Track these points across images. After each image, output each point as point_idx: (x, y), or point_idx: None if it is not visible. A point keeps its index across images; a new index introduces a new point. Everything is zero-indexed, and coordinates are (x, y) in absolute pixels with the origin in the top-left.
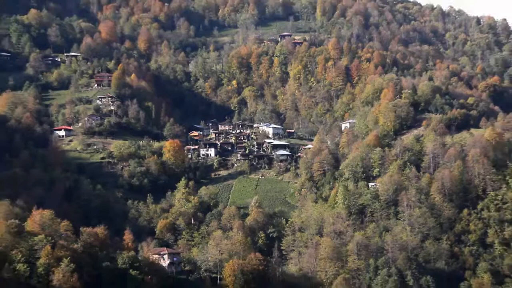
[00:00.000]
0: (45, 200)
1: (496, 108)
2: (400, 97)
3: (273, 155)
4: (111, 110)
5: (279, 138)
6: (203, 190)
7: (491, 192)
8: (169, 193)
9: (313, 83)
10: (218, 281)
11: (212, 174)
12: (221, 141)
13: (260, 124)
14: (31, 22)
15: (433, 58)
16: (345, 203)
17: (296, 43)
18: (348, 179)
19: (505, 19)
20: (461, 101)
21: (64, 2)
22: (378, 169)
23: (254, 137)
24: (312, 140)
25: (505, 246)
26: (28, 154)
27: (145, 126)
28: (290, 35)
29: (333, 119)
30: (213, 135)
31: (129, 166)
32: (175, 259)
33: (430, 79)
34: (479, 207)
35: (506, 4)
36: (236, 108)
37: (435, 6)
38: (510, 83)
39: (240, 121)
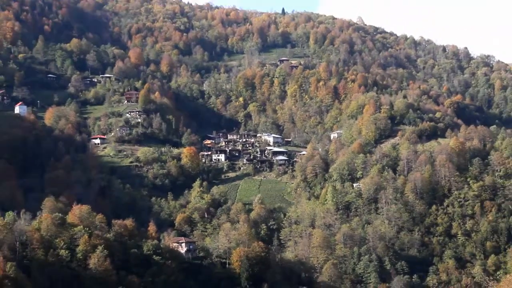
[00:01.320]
0: (83, 197)
1: (459, 121)
2: (379, 112)
3: (273, 160)
4: (138, 122)
5: (278, 146)
6: (214, 189)
7: (455, 191)
8: (186, 191)
9: (307, 100)
10: (227, 265)
11: (222, 176)
12: (230, 148)
13: (262, 134)
14: (73, 49)
15: (407, 80)
16: (334, 200)
17: (293, 67)
18: (336, 180)
19: (466, 48)
20: (430, 115)
21: (100, 32)
22: (361, 172)
23: (258, 145)
24: (306, 147)
25: (467, 236)
26: (70, 159)
27: (167, 135)
28: (287, 60)
29: (323, 130)
30: (223, 143)
31: (153, 169)
32: (191, 247)
33: (405, 97)
34: (445, 203)
35: (467, 35)
36: (243, 120)
37: (408, 36)
38: (470, 100)
39: (246, 132)
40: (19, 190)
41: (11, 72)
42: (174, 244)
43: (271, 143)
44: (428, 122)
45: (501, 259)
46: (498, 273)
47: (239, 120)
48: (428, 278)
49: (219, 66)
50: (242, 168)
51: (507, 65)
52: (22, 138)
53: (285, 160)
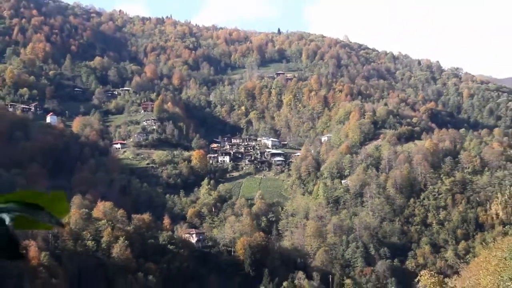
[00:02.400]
0: (106, 194)
1: (433, 125)
2: (364, 118)
3: (272, 160)
4: (154, 129)
5: (276, 148)
6: (220, 187)
7: (430, 186)
8: (196, 189)
9: (300, 108)
10: (232, 253)
11: (227, 175)
12: (233, 151)
13: (262, 138)
14: (96, 66)
15: (387, 89)
16: (324, 195)
17: (288, 79)
18: (326, 177)
19: (438, 61)
20: (408, 120)
21: (120, 51)
22: (348, 170)
23: (258, 148)
24: (300, 149)
25: (440, 225)
26: (94, 162)
27: (178, 140)
28: (283, 73)
29: (315, 134)
30: (228, 147)
31: (167, 170)
32: (200, 237)
33: (385, 104)
34: (421, 197)
35: (439, 50)
36: (244, 126)
37: (388, 52)
38: (442, 107)
39: (247, 136)
40: (50, 189)
41: (43, 87)
42: (186, 235)
43: (270, 146)
44: (406, 126)
45: (470, 244)
46: (467, 256)
47: (242, 126)
48: (407, 262)
49: (224, 79)
50: (244, 168)
51: (473, 76)
52: (52, 144)
53: (282, 160)
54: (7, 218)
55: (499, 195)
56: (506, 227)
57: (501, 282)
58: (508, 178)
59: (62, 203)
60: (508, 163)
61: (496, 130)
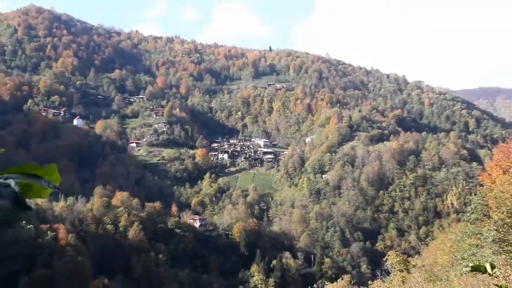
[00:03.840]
0: (123, 186)
1: (399, 129)
2: (341, 122)
3: (263, 158)
4: (164, 131)
5: (267, 147)
6: (220, 180)
7: (397, 180)
8: (199, 181)
9: (288, 113)
10: (229, 236)
11: (226, 170)
12: (231, 149)
13: (255, 139)
14: (116, 77)
15: (361, 98)
16: (308, 187)
17: (277, 89)
18: (309, 172)
19: (404, 75)
20: (378, 124)
21: (136, 65)
22: (328, 166)
23: (252, 147)
24: (287, 148)
25: (405, 213)
26: (113, 158)
27: (184, 140)
28: (273, 84)
29: (300, 135)
30: (226, 146)
31: (175, 165)
32: (203, 222)
33: (359, 111)
34: (389, 189)
35: (405, 66)
36: (240, 129)
37: (362, 66)
38: (407, 114)
39: (243, 137)
40: (77, 181)
41: (71, 95)
42: (191, 220)
43: (262, 146)
44: (376, 130)
45: (429, 229)
46: (427, 239)
47: (238, 129)
48: (377, 244)
49: (223, 89)
50: (240, 164)
51: (433, 88)
52: (79, 143)
53: (272, 158)
54: (12, 182)
55: (453, 188)
56: (459, 214)
57: (455, 261)
58: (461, 174)
59: (55, 173)
60: (461, 161)
61: (451, 133)
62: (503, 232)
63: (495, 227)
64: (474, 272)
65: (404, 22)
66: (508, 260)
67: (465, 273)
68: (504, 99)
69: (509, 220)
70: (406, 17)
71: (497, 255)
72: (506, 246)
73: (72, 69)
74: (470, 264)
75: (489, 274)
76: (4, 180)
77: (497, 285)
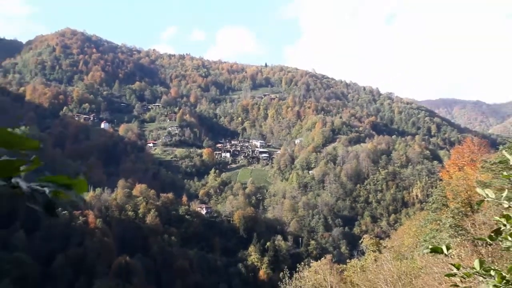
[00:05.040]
0: (142, 179)
1: (374, 132)
2: (325, 127)
3: (260, 156)
4: (176, 133)
5: (263, 148)
6: (223, 175)
7: (371, 176)
8: (206, 176)
9: (280, 119)
10: (231, 221)
11: (228, 166)
12: (232, 149)
13: (253, 140)
14: (136, 88)
15: (342, 107)
16: (297, 181)
17: (272, 99)
18: (298, 169)
19: (377, 87)
20: (356, 129)
21: (153, 77)
22: (314, 164)
23: (250, 147)
24: (280, 148)
25: (378, 203)
26: (134, 156)
27: (194, 141)
28: (268, 95)
29: (291, 138)
30: (228, 146)
31: (185, 162)
32: (208, 210)
33: (340, 117)
34: (365, 183)
35: (379, 80)
36: (241, 132)
37: (342, 80)
38: (380, 120)
39: (242, 139)
40: (104, 175)
41: (99, 103)
42: (198, 208)
43: (258, 146)
44: (354, 133)
45: (398, 216)
46: (396, 225)
47: (238, 132)
48: (354, 229)
49: (226, 98)
50: (240, 162)
51: (401, 98)
52: (105, 143)
53: (267, 156)
54: (47, 190)
55: (418, 182)
56: (422, 204)
57: (418, 243)
58: (424, 171)
59: (84, 186)
60: (425, 160)
61: (416, 137)
62: (458, 219)
63: (452, 215)
64: (433, 253)
65: (378, 42)
66: (462, 242)
67: (426, 253)
68: (459, 108)
69: (463, 209)
70: (379, 37)
71: (453, 237)
72: (460, 231)
73: (100, 81)
74: (430, 246)
75: (445, 254)
76: (41, 188)
77: (451, 264)
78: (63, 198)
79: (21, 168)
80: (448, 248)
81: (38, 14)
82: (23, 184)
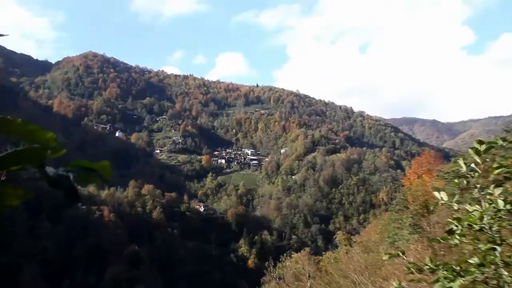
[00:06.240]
0: (150, 180)
1: (347, 145)
2: (307, 139)
3: (251, 163)
4: (179, 141)
5: (253, 155)
6: (219, 178)
7: (344, 181)
8: (204, 179)
9: (269, 132)
10: (225, 218)
11: (223, 171)
12: (227, 156)
13: (245, 149)
14: (146, 103)
15: (321, 123)
16: (282, 185)
17: (262, 114)
18: (283, 174)
19: (351, 106)
20: (333, 141)
21: (161, 94)
22: (296, 170)
23: (242, 155)
24: (268, 156)
25: (350, 204)
26: (143, 160)
27: (194, 149)
28: (259, 110)
29: (277, 147)
30: (224, 154)
31: (187, 166)
32: (206, 208)
33: (320, 131)
34: (339, 187)
35: (353, 100)
36: (234, 142)
37: (322, 99)
38: (353, 134)
39: (236, 147)
40: (117, 176)
41: (115, 115)
42: (197, 206)
43: (249, 154)
44: (331, 145)
45: (366, 216)
46: (364, 223)
47: (233, 142)
48: (329, 226)
49: (223, 113)
50: (233, 167)
51: (371, 116)
52: (119, 149)
53: (256, 163)
54: (71, 175)
55: (384, 187)
56: (387, 206)
57: (383, 238)
58: (389, 178)
59: (107, 169)
60: (390, 168)
61: (383, 149)
62: (416, 219)
63: (411, 215)
64: (391, 258)
65: (352, 67)
66: (419, 238)
67: (387, 258)
68: (419, 126)
69: (420, 211)
70: (353, 63)
71: (412, 234)
72: (418, 229)
73: (116, 96)
74: (388, 253)
75: (402, 256)
76: (66, 173)
77: (408, 262)
78: (89, 180)
79: (46, 155)
80: (403, 253)
81: (65, 38)
82: (50, 170)
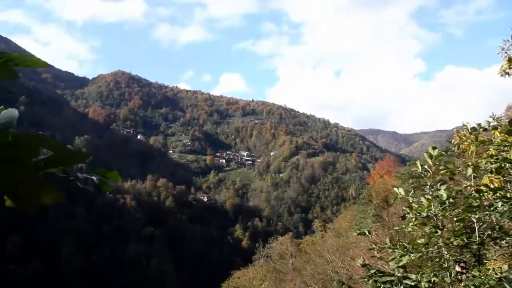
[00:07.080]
0: (164, 175)
1: (325, 150)
2: (292, 144)
3: (246, 163)
4: (189, 144)
5: (248, 157)
6: (220, 174)
7: (321, 179)
8: (207, 175)
9: (261, 138)
10: (224, 207)
11: (223, 169)
12: (227, 157)
13: (241, 151)
14: (162, 112)
15: (303, 131)
16: (271, 181)
17: (256, 123)
18: (272, 172)
19: (328, 119)
20: (313, 147)
21: (174, 105)
22: (283, 169)
23: (239, 156)
24: (260, 158)
25: (325, 198)
26: (159, 160)
27: (200, 150)
28: (253, 120)
29: (268, 151)
30: (224, 155)
31: (194, 165)
32: (209, 198)
33: (302, 138)
34: (317, 184)
35: (329, 113)
36: (233, 145)
37: (305, 113)
38: (329, 141)
39: (234, 150)
40: (138, 171)
41: (137, 121)
42: (202, 197)
43: (245, 156)
44: (312, 150)
45: (338, 208)
46: (337, 213)
47: (232, 145)
48: (308, 215)
49: (224, 122)
50: (232, 166)
51: (344, 127)
52: (140, 150)
53: (251, 163)
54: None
55: (353, 185)
56: (355, 200)
57: (351, 226)
58: (357, 177)
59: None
60: (358, 170)
61: (353, 154)
62: (378, 211)
63: (374, 208)
64: (360, 235)
65: (329, 87)
66: (380, 226)
67: (356, 235)
68: (382, 136)
69: (381, 204)
70: (330, 84)
71: (375, 223)
72: (379, 218)
73: (138, 106)
74: (358, 230)
75: (368, 235)
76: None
77: (372, 241)
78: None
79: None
80: (369, 232)
81: (100, 60)
82: (80, 174)
